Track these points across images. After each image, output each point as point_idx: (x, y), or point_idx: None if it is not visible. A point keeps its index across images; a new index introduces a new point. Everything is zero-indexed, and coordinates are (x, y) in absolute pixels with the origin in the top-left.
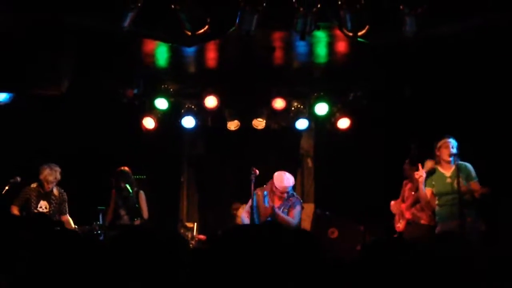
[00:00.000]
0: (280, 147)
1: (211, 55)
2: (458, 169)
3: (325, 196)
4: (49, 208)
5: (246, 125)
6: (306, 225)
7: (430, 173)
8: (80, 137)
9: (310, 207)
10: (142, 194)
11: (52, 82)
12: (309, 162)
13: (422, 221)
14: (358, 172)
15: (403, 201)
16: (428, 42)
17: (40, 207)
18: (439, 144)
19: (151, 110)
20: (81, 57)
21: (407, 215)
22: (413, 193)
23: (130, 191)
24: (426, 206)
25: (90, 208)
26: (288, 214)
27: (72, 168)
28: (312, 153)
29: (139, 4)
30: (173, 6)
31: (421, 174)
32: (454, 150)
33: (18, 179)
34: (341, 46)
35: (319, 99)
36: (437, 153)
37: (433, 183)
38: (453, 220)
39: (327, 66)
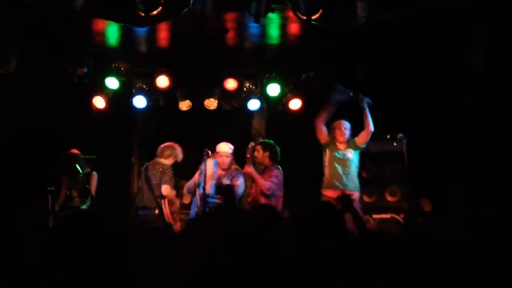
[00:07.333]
0: (232, 128)
1: (163, 34)
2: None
3: None
4: None
5: (198, 105)
6: None
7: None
8: (29, 117)
9: None
10: (94, 175)
11: (0, 61)
12: None
13: None
14: (309, 153)
15: None
16: (379, 26)
17: None
18: (333, 125)
19: (102, 90)
20: (30, 36)
21: None
22: None
23: (81, 171)
24: None
25: (39, 189)
26: None
27: (21, 148)
28: (263, 134)
29: None
30: None
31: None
32: (347, 131)
33: None
34: (294, 28)
35: (271, 80)
36: (333, 134)
37: (327, 150)
38: (336, 189)
39: (279, 47)
